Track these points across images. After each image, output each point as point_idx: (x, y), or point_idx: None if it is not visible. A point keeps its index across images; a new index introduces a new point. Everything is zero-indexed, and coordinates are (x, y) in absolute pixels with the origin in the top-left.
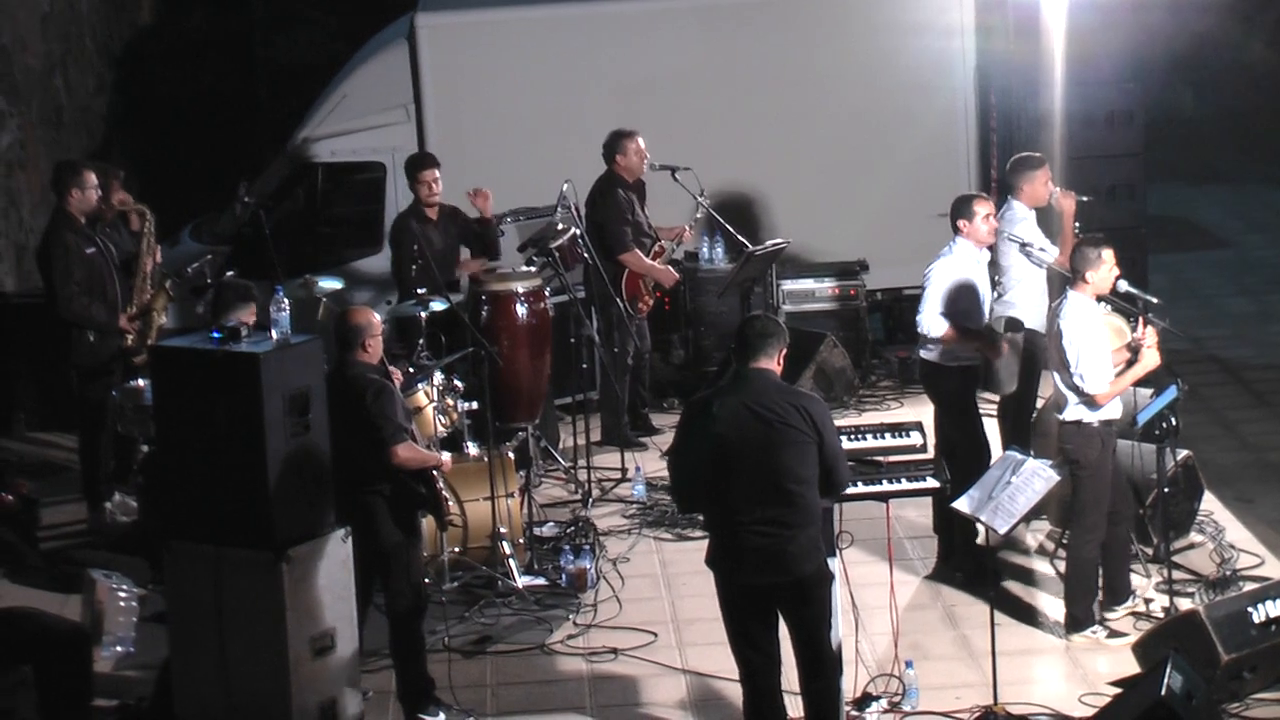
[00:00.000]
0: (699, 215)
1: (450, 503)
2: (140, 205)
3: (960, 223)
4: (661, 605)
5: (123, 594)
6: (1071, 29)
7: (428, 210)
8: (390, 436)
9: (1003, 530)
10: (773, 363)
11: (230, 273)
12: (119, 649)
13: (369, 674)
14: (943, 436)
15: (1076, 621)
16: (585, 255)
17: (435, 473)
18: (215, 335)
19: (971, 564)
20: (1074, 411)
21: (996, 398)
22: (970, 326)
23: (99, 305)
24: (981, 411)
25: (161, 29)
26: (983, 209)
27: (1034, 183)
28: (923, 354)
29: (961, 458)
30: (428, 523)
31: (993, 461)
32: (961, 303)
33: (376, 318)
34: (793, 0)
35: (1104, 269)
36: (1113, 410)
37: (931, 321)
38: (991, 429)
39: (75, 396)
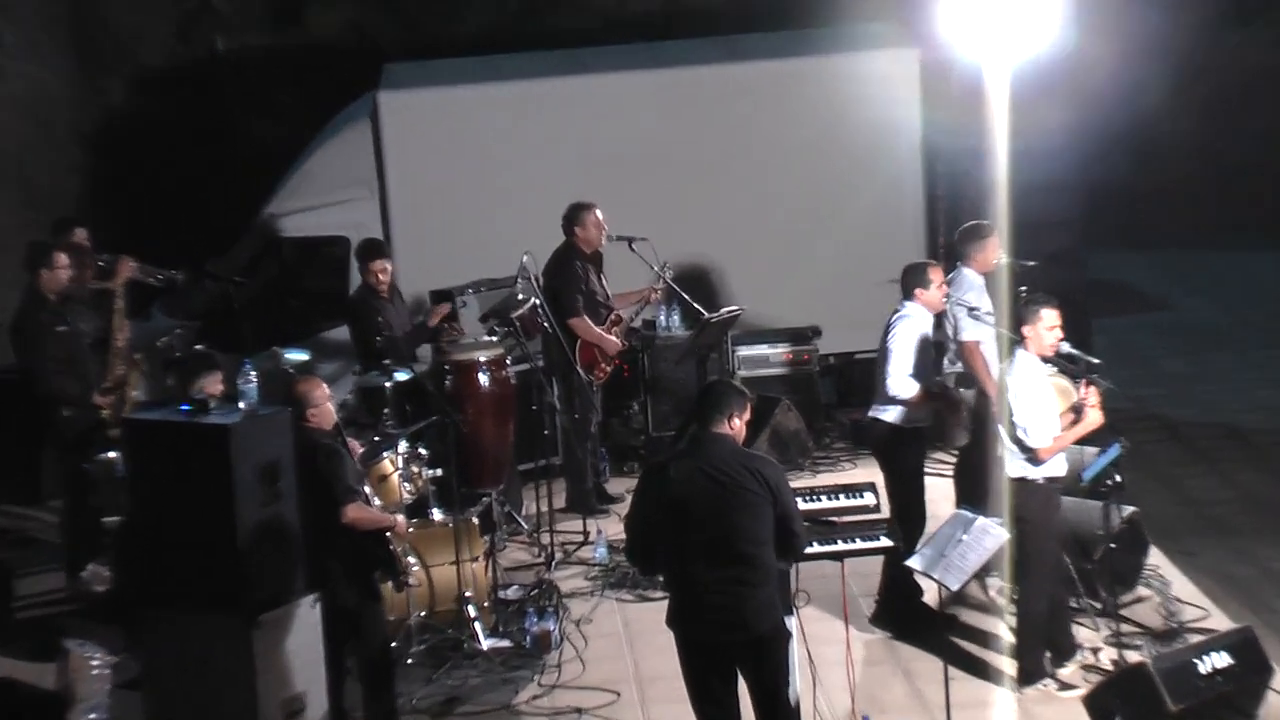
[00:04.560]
0: (660, 286)
1: (415, 565)
2: (111, 283)
3: (917, 290)
4: (624, 664)
5: (96, 662)
6: (1015, 99)
7: (380, 289)
8: (340, 496)
9: (954, 586)
10: (729, 426)
11: (199, 345)
12: (93, 716)
13: None
14: (893, 498)
15: (1027, 674)
16: (545, 324)
17: (389, 535)
18: (184, 408)
19: (912, 621)
20: (1019, 468)
21: (952, 458)
22: (933, 389)
23: (71, 381)
24: (938, 471)
25: (134, 111)
26: (937, 277)
27: (985, 251)
28: (880, 417)
29: (910, 519)
30: (391, 587)
31: (945, 520)
32: (924, 363)
33: (321, 389)
34: (745, 74)
35: (1041, 325)
36: (1057, 467)
37: (901, 384)
38: (948, 487)
39: (60, 470)
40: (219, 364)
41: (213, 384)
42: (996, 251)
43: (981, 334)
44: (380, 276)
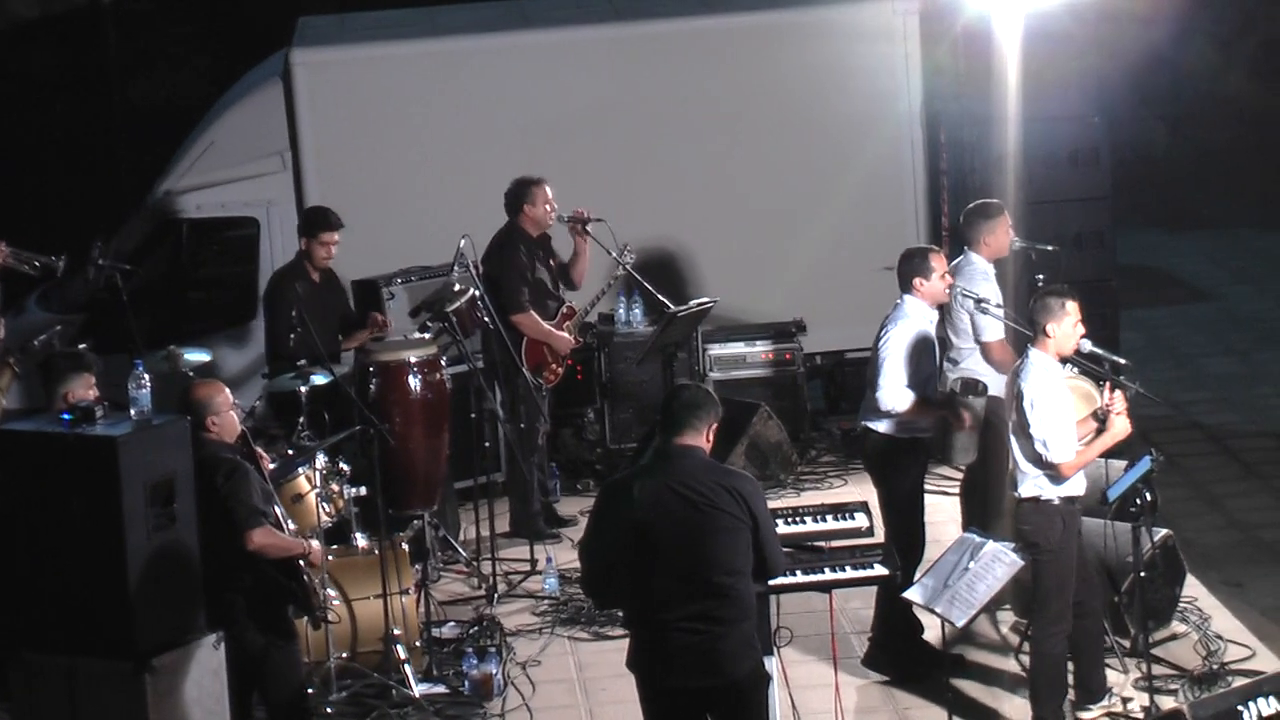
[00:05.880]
0: (618, 273)
1: (335, 599)
2: None
3: (916, 281)
4: (578, 713)
5: None
6: (1028, 58)
7: (312, 272)
8: (244, 521)
9: (960, 622)
10: (701, 438)
11: (83, 345)
12: None
13: None
14: (888, 519)
15: None
16: (485, 319)
17: (300, 563)
18: (65, 417)
19: (911, 662)
20: (1031, 487)
21: (957, 475)
22: (932, 396)
23: None
24: (941, 489)
25: (2, 68)
26: (940, 265)
27: (996, 233)
28: (873, 427)
29: (909, 543)
30: (307, 624)
31: (949, 546)
32: (923, 370)
33: (223, 394)
34: (716, 29)
35: (1067, 321)
36: (1076, 486)
37: (894, 396)
38: (953, 507)
39: None
40: (90, 365)
41: (82, 388)
42: (1009, 233)
43: (1002, 331)
44: (332, 250)
